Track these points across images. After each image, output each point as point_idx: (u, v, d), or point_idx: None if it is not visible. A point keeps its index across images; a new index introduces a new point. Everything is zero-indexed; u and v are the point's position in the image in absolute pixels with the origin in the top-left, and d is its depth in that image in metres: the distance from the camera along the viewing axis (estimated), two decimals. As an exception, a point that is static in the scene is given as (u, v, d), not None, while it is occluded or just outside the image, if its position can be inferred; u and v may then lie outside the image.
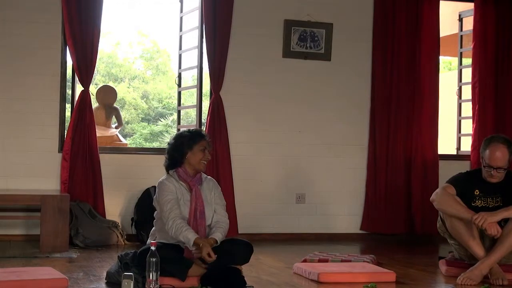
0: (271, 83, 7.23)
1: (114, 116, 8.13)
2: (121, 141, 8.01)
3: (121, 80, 19.99)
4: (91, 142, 6.64)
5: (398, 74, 7.42)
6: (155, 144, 17.57)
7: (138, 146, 15.58)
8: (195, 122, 7.20)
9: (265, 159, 7.20)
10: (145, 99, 19.83)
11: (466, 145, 7.90)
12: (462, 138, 8.10)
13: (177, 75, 7.63)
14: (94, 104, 7.59)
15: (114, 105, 8.17)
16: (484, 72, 7.60)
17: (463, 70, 8.06)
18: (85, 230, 6.26)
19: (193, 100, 7.54)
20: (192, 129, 4.59)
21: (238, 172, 7.03)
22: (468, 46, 7.90)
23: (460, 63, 8.12)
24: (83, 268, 5.02)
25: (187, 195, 4.43)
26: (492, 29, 7.64)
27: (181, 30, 7.46)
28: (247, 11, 7.14)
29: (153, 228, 4.53)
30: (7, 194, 6.16)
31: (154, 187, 5.61)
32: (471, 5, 7.72)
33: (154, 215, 4.53)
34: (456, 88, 8.13)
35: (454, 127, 8.20)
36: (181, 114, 7.99)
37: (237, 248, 4.43)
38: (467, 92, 7.90)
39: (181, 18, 7.45)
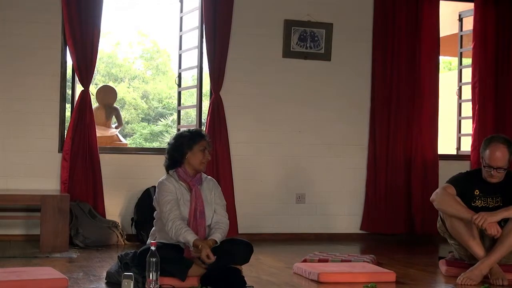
0: (271, 83, 7.23)
1: (114, 116, 8.13)
2: (121, 141, 8.01)
3: (121, 80, 19.99)
4: (91, 142, 6.64)
5: (398, 74, 7.42)
6: (155, 144, 17.57)
7: (138, 146, 15.58)
8: (195, 122, 7.20)
9: (265, 159, 7.20)
10: (145, 99, 19.83)
11: (466, 145, 7.90)
12: (462, 138, 8.10)
13: (177, 75, 7.63)
14: (94, 104, 7.59)
15: (114, 105, 8.17)
16: (484, 72, 7.60)
17: (463, 70, 8.06)
18: (85, 230, 6.26)
19: (193, 100, 7.54)
20: (192, 129, 4.59)
21: (238, 172, 7.03)
22: (468, 46, 7.90)
23: (460, 63, 8.12)
24: (83, 268, 5.02)
25: (187, 195, 4.42)
26: (492, 29, 7.64)
27: (181, 30, 7.46)
28: (247, 11, 7.14)
29: (153, 228, 4.53)
30: (7, 194, 6.16)
31: (154, 187, 5.61)
32: (471, 5, 7.72)
33: (154, 215, 4.53)
34: (456, 88, 8.13)
35: (454, 127, 8.20)
36: (181, 114, 7.99)
37: (237, 248, 4.43)
38: (467, 92, 7.90)
39: (181, 18, 7.45)
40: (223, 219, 4.47)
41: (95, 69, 6.94)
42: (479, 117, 7.60)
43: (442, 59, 14.29)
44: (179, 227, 4.24)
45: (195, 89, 7.24)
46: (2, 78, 6.64)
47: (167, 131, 17.95)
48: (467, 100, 7.92)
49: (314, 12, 7.29)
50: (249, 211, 7.07)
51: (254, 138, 7.18)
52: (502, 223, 4.74)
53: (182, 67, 7.53)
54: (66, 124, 6.80)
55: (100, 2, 6.67)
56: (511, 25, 7.70)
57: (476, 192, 4.94)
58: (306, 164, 7.30)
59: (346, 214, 7.39)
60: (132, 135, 18.63)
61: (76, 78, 6.75)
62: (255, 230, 7.04)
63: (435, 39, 7.55)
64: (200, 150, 4.44)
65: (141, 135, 18.56)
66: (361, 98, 7.45)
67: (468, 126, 7.91)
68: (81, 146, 6.60)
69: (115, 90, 8.35)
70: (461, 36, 8.09)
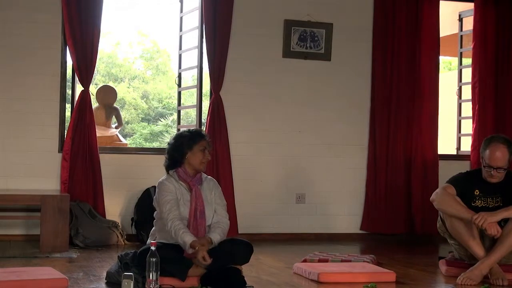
0: (271, 83, 7.23)
1: (114, 116, 8.13)
2: (121, 141, 8.01)
3: (121, 80, 19.99)
4: (91, 142, 6.64)
5: (398, 74, 7.42)
6: (155, 144, 17.57)
7: (138, 146, 15.59)
8: (195, 122, 7.20)
9: (265, 159, 7.20)
10: (145, 99, 19.83)
11: (466, 145, 7.90)
12: (462, 138, 8.10)
13: (177, 75, 7.63)
14: (94, 104, 7.59)
15: (114, 105, 8.17)
16: (484, 72, 7.60)
17: (463, 70, 8.06)
18: (85, 230, 6.26)
19: (193, 100, 7.54)
20: (192, 129, 4.59)
21: (238, 172, 7.03)
22: (468, 46, 7.90)
23: (460, 63, 8.12)
24: (83, 268, 5.02)
25: (187, 195, 4.42)
26: (492, 29, 7.64)
27: (181, 30, 7.46)
28: (247, 11, 7.14)
29: (153, 228, 4.53)
30: (7, 194, 6.16)
31: (154, 187, 5.61)
32: (471, 5, 7.72)
33: (154, 215, 4.53)
34: (456, 88, 8.13)
35: (454, 127, 8.20)
36: (181, 114, 7.99)
37: (237, 248, 4.42)
38: (467, 92, 7.90)
39: (181, 18, 7.45)
40: (223, 219, 4.47)
41: (95, 69, 6.94)
42: (479, 117, 7.60)
43: (442, 59, 14.29)
44: (178, 228, 4.24)
45: (195, 89, 7.25)
46: (2, 78, 6.64)
47: (167, 131, 17.95)
48: (467, 100, 7.92)
49: (314, 12, 7.29)
50: (249, 211, 7.07)
51: (254, 138, 7.18)
52: (502, 223, 4.74)
53: (182, 67, 7.53)
54: (66, 124, 6.80)
55: (100, 2, 6.67)
56: (511, 25, 7.70)
57: (476, 192, 4.94)
58: (306, 164, 7.30)
59: (346, 214, 7.39)
60: (132, 135, 18.64)
61: (76, 78, 6.75)
62: (255, 230, 7.04)
63: (435, 39, 7.55)
64: (200, 150, 4.44)
65: (141, 135, 18.56)
66: (361, 98, 7.45)
67: (468, 126, 7.91)
68: (81, 146, 6.60)
69: (115, 90, 8.35)
70: (461, 36, 8.09)
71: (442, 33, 7.77)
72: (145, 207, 6.48)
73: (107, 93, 8.06)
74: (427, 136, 7.49)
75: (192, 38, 7.25)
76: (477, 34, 7.63)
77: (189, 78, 12.44)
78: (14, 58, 6.65)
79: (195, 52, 7.15)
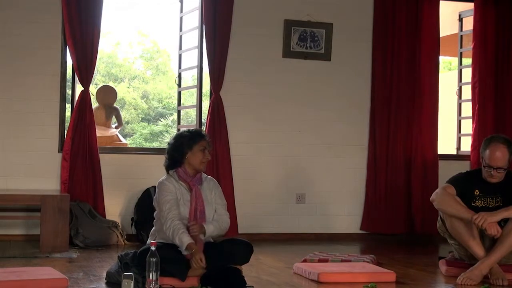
0: (271, 83, 7.23)
1: (114, 116, 8.13)
2: (121, 141, 8.01)
3: (121, 80, 19.99)
4: (91, 142, 6.64)
5: (398, 74, 7.42)
6: (155, 144, 17.57)
7: (138, 146, 15.59)
8: (195, 122, 7.20)
9: (265, 159, 7.20)
10: (145, 99, 19.84)
11: (466, 145, 7.90)
12: (462, 138, 8.10)
13: (177, 75, 7.63)
14: (94, 104, 7.59)
15: (114, 105, 8.17)
16: (484, 72, 7.60)
17: (463, 70, 8.06)
18: (85, 230, 6.26)
19: (193, 100, 7.54)
20: (192, 129, 4.59)
21: (238, 172, 7.03)
22: (468, 46, 7.90)
23: (460, 63, 8.12)
24: (83, 268, 5.02)
25: (187, 195, 4.43)
26: (492, 29, 7.64)
27: (181, 30, 7.46)
28: (247, 11, 7.14)
29: (153, 228, 4.53)
30: (7, 194, 6.16)
31: (154, 187, 5.61)
32: (471, 5, 7.72)
33: (154, 215, 4.53)
34: (456, 88, 8.13)
35: (454, 127, 8.20)
36: (181, 114, 7.99)
37: (237, 248, 4.43)
38: (467, 92, 7.90)
39: (181, 18, 7.45)
40: (223, 216, 4.48)
41: (95, 69, 6.94)
42: (479, 117, 7.60)
43: (442, 59, 14.29)
44: (177, 227, 4.24)
45: (195, 89, 7.24)
46: (2, 78, 6.64)
47: (167, 131, 17.95)
48: (467, 100, 7.92)
49: (314, 12, 7.29)
50: (249, 211, 7.07)
51: (254, 138, 7.18)
52: (502, 223, 4.74)
53: (182, 67, 7.53)
54: (66, 124, 6.80)
55: (100, 2, 6.67)
56: (511, 25, 7.70)
57: (476, 192, 4.94)
58: (306, 164, 7.30)
59: (346, 214, 7.39)
60: (132, 135, 18.64)
61: (76, 78, 6.75)
62: (255, 230, 7.04)
63: (435, 39, 7.55)
64: (200, 150, 4.44)
65: (141, 135, 18.56)
66: (361, 98, 7.45)
67: (468, 126, 7.91)
68: (81, 146, 6.60)
69: (115, 90, 8.35)
70: (461, 36, 8.09)
71: (442, 33, 7.77)
72: (145, 207, 6.48)
73: (107, 93, 8.06)
74: (427, 136, 7.49)
75: (192, 38, 7.25)
76: (477, 34, 7.63)
77: (189, 78, 12.44)
78: (14, 58, 6.65)
79: (195, 52, 7.15)
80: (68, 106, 7.15)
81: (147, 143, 17.97)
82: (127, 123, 18.72)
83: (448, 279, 4.89)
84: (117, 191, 6.80)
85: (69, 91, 7.13)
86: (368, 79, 7.46)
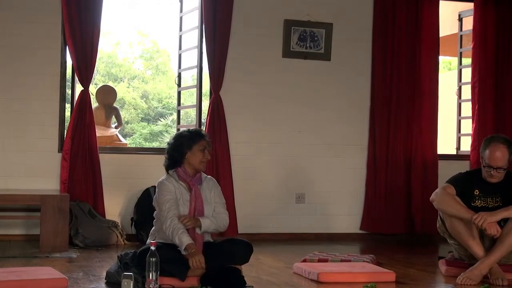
0: (271, 83, 7.23)
1: (114, 116, 8.13)
2: (120, 141, 8.01)
3: (121, 80, 20.00)
4: (91, 142, 6.64)
5: (398, 74, 7.42)
6: (155, 144, 17.58)
7: (138, 146, 15.59)
8: (195, 122, 7.20)
9: (265, 159, 7.20)
10: (144, 99, 19.84)
11: (466, 145, 7.90)
12: (461, 138, 8.10)
13: (177, 75, 7.63)
14: (94, 104, 7.59)
15: (114, 105, 8.17)
16: (484, 72, 7.60)
17: (463, 70, 8.06)
18: (85, 230, 6.26)
19: (193, 100, 7.54)
20: (192, 129, 4.59)
21: (238, 172, 7.03)
22: (468, 46, 7.90)
23: (460, 63, 8.13)
24: (83, 268, 5.02)
25: (186, 195, 4.43)
26: (492, 29, 7.64)
27: (181, 30, 7.46)
28: (247, 11, 7.14)
29: (153, 228, 4.53)
30: (7, 194, 6.16)
31: (154, 187, 5.60)
32: (471, 5, 7.72)
33: (154, 215, 4.53)
34: (456, 88, 8.13)
35: (454, 127, 8.20)
36: (181, 114, 7.99)
37: (237, 248, 4.43)
38: (467, 92, 7.90)
39: (181, 18, 7.45)
40: (222, 215, 4.48)
41: (95, 69, 6.94)
42: (478, 117, 7.60)
43: (442, 59, 14.30)
44: (177, 227, 4.24)
45: (195, 89, 7.24)
46: (2, 78, 6.64)
47: (166, 131, 17.96)
48: (467, 100, 7.92)
49: (314, 12, 7.29)
50: (249, 211, 7.07)
51: (254, 138, 7.18)
52: (502, 223, 4.74)
53: (182, 67, 7.53)
54: (66, 124, 6.80)
55: (100, 2, 6.67)
56: (511, 25, 7.70)
57: (476, 192, 4.94)
58: (306, 164, 7.30)
59: (346, 214, 7.39)
60: (132, 135, 18.64)
61: (76, 78, 6.75)
62: (255, 230, 7.04)
63: (435, 39, 7.55)
64: (199, 150, 4.44)
65: (140, 135, 18.57)
66: (361, 98, 7.45)
67: (468, 126, 7.91)
68: (81, 146, 6.60)
69: (115, 90, 8.35)
70: (461, 36, 8.09)
71: (442, 33, 7.77)
72: (145, 207, 6.48)
73: (106, 93, 8.07)
74: (427, 136, 7.49)
75: (192, 38, 7.25)
76: (477, 34, 7.63)
77: (189, 78, 12.45)
78: (14, 58, 6.65)
79: (195, 52, 7.15)
80: (68, 106, 7.15)
81: (147, 143, 17.97)
82: (127, 123, 18.73)
83: (448, 279, 4.89)
84: (117, 191, 6.80)
85: (69, 91, 7.14)
86: (368, 79, 7.46)
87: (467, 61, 8.16)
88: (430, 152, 7.48)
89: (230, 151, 6.98)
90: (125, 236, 6.54)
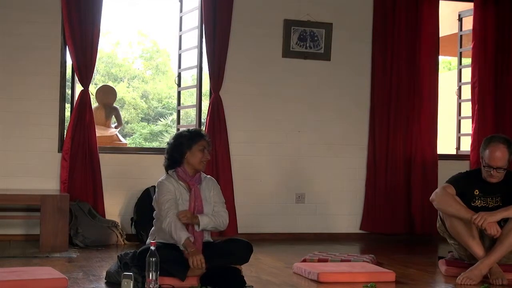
0: (271, 83, 7.23)
1: (113, 116, 8.13)
2: (120, 141, 8.01)
3: (121, 80, 20.00)
4: (91, 142, 6.64)
5: (398, 74, 7.42)
6: (155, 144, 17.58)
7: (138, 146, 15.58)
8: (195, 122, 7.20)
9: (265, 159, 7.20)
10: (144, 99, 19.84)
11: (466, 145, 7.90)
12: (461, 138, 8.10)
13: (176, 74, 7.63)
14: (94, 104, 7.59)
15: (114, 105, 8.17)
16: (484, 72, 7.60)
17: (463, 70, 8.06)
18: (85, 230, 6.26)
19: (193, 100, 7.54)
20: (192, 129, 4.59)
21: (238, 172, 7.03)
22: (468, 46, 7.90)
23: (460, 63, 8.13)
24: (83, 268, 5.02)
25: (186, 194, 4.43)
26: (492, 29, 7.64)
27: (181, 30, 7.46)
28: (247, 11, 7.14)
29: (153, 228, 4.53)
30: (7, 194, 6.16)
31: (154, 187, 5.60)
32: (470, 5, 7.72)
33: (154, 215, 4.53)
34: (456, 88, 8.13)
35: (453, 127, 8.20)
36: (181, 114, 7.98)
37: (236, 248, 4.43)
38: (467, 92, 7.90)
39: (181, 18, 7.45)
40: (221, 213, 4.47)
41: (95, 69, 6.94)
42: (478, 117, 7.60)
43: (442, 59, 14.30)
44: (175, 224, 4.24)
45: (195, 89, 7.24)
46: (2, 78, 6.63)
47: (166, 131, 17.96)
48: (466, 100, 7.92)
49: (314, 12, 7.29)
50: (249, 211, 7.07)
51: (254, 138, 7.18)
52: (502, 223, 4.74)
53: (182, 67, 7.53)
54: (65, 124, 6.80)
55: (100, 2, 6.67)
56: (511, 25, 7.70)
57: (476, 192, 4.94)
58: (306, 164, 7.30)
59: (346, 214, 7.39)
60: (132, 135, 18.64)
61: (76, 78, 6.75)
62: (255, 230, 7.04)
63: (434, 39, 7.55)
64: (199, 150, 4.44)
65: (140, 135, 18.57)
66: (361, 97, 7.45)
67: (467, 126, 7.91)
68: (81, 146, 6.60)
69: (115, 90, 8.36)
70: (461, 36, 8.09)
71: (442, 33, 7.77)
72: (144, 207, 6.48)
73: (106, 93, 8.07)
74: (426, 136, 7.49)
75: (192, 37, 7.25)
76: (477, 34, 7.63)
77: (189, 78, 12.46)
78: (14, 58, 6.65)
79: (195, 52, 7.15)
80: (68, 106, 7.15)
81: (147, 143, 17.97)
82: (127, 123, 18.73)
83: (448, 279, 4.89)
84: (117, 191, 6.80)
85: (69, 91, 7.14)
86: (368, 78, 7.46)
87: (467, 61, 8.16)
88: (430, 152, 7.48)
89: (230, 151, 6.98)
90: (125, 236, 6.54)
